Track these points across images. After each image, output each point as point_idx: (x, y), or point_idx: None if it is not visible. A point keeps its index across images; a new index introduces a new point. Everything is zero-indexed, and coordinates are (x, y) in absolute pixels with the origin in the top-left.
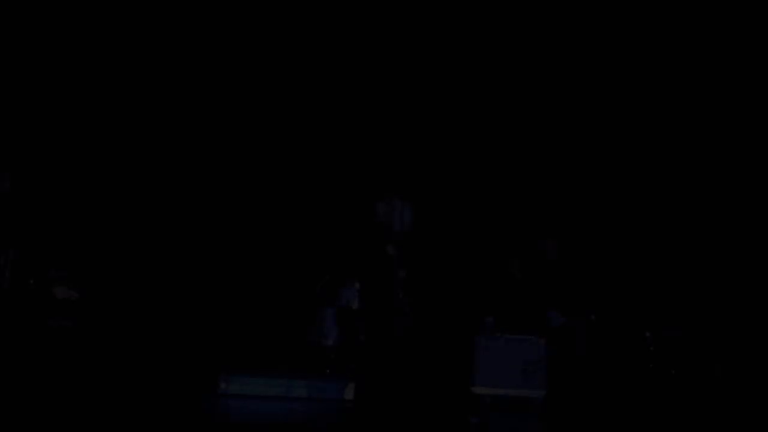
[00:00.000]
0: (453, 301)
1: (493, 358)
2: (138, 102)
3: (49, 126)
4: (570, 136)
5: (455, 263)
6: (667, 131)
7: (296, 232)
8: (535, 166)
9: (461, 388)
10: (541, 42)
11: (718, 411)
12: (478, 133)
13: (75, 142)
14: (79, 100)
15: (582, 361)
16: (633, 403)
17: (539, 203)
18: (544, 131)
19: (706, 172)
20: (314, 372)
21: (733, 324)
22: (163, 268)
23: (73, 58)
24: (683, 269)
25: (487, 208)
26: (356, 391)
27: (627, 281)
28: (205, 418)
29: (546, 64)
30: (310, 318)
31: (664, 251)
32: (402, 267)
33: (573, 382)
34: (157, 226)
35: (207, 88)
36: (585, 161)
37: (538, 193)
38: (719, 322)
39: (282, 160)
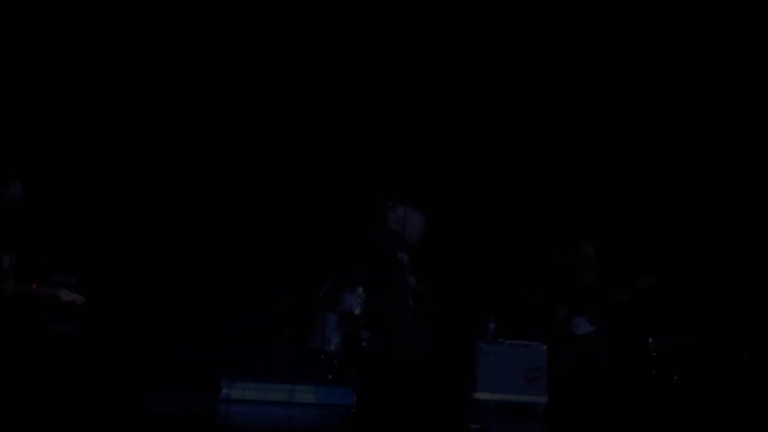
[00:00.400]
0: (455, 305)
1: (495, 364)
2: (139, 103)
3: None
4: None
5: (458, 267)
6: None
7: (299, 236)
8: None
9: (463, 393)
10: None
11: (719, 416)
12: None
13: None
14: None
15: (604, 370)
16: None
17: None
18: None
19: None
20: (316, 377)
21: (735, 329)
22: (165, 271)
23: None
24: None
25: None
26: (358, 397)
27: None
28: (207, 424)
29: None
30: (313, 323)
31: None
32: (412, 274)
33: (582, 389)
34: (160, 229)
35: (209, 91)
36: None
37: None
38: (722, 328)
39: (286, 163)
